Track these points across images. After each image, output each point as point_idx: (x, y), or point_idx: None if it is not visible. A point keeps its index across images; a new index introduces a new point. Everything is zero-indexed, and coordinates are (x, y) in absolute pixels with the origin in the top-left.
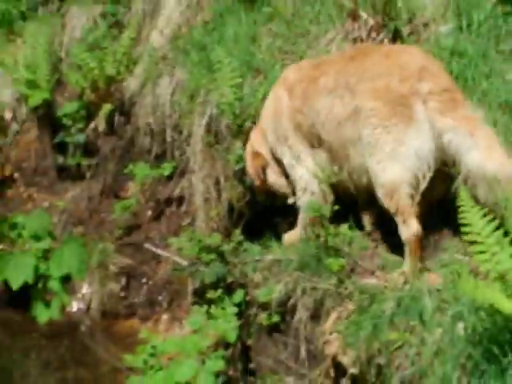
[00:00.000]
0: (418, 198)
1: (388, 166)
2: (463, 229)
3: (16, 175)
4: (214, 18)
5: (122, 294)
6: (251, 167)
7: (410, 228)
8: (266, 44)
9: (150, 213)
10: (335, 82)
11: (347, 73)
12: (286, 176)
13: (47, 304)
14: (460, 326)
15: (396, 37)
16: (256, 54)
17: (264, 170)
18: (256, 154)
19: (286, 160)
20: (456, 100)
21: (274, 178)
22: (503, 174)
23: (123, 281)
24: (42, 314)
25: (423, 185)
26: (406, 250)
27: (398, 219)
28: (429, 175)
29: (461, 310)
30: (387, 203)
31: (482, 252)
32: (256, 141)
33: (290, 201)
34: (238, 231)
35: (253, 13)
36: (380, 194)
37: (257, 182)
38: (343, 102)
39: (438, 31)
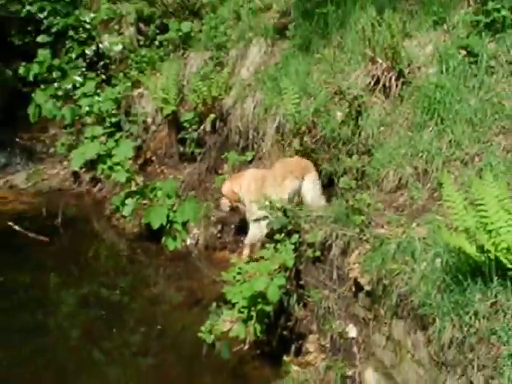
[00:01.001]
0: None
1: None
2: (444, 198)
3: (153, 158)
4: (282, 60)
5: (218, 235)
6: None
7: None
8: (315, 77)
9: None
10: None
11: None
12: None
13: (173, 238)
14: (438, 260)
15: (400, 75)
16: (309, 83)
17: None
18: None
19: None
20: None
21: None
22: None
23: (219, 226)
24: (170, 245)
25: None
26: None
27: None
28: None
29: (439, 250)
30: None
31: (454, 214)
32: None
33: None
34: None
35: (308, 57)
36: None
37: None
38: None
39: (427, 72)
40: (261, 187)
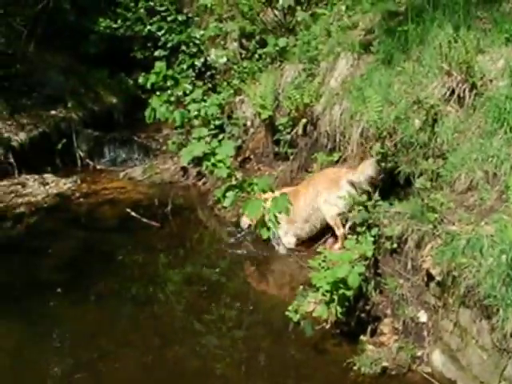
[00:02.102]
0: None
1: None
2: (511, 200)
3: (251, 156)
4: (367, 72)
5: None
6: None
7: None
8: (396, 88)
9: None
10: None
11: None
12: None
13: (267, 229)
14: (503, 256)
15: (473, 87)
16: (391, 93)
17: None
18: None
19: None
20: None
21: None
22: None
23: None
24: (264, 234)
25: None
26: None
27: None
28: None
29: (505, 247)
30: None
31: None
32: None
33: None
34: (376, 194)
35: (389, 70)
36: None
37: None
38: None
39: (498, 84)
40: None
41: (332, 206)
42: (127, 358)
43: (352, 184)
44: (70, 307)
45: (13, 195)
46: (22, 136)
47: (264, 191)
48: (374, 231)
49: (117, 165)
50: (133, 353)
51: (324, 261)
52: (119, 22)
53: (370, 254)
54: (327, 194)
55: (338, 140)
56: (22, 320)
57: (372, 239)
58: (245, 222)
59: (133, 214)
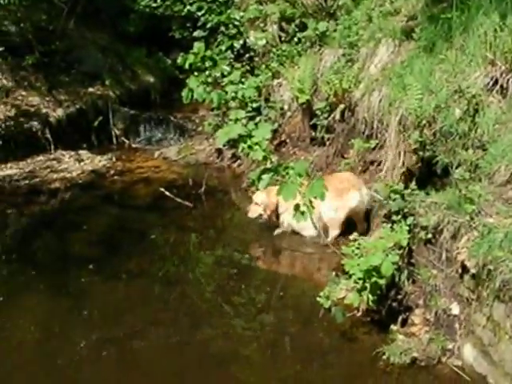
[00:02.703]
0: None
1: None
2: None
3: (287, 140)
4: (408, 59)
5: None
6: None
7: None
8: (437, 76)
9: (360, 168)
10: None
11: None
12: None
13: (302, 213)
14: None
15: None
16: (431, 81)
17: None
18: None
19: None
20: None
21: None
22: None
23: None
24: (299, 219)
25: None
26: None
27: None
28: None
29: None
30: None
31: None
32: None
33: None
34: (413, 183)
35: (431, 57)
36: None
37: None
38: None
39: None
40: None
41: None
42: (155, 337)
43: None
44: (100, 283)
45: (48, 170)
46: (60, 112)
47: (300, 175)
48: (410, 220)
49: (152, 144)
50: (161, 332)
51: (358, 248)
52: (159, 1)
53: (404, 243)
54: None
55: (375, 127)
56: (53, 293)
57: (407, 228)
58: (254, 210)
59: (166, 193)
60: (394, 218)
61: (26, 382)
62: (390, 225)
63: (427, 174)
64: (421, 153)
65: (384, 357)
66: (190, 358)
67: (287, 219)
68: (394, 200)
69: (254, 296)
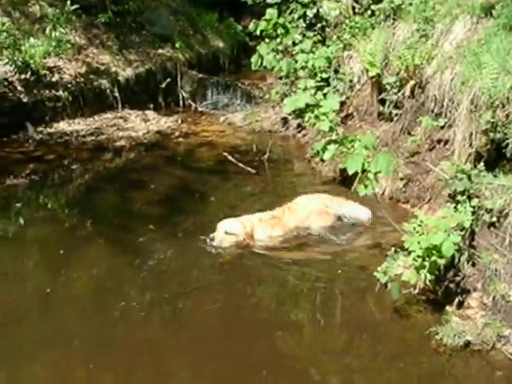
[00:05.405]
0: None
1: None
2: None
3: (354, 113)
4: (485, 38)
5: (403, 189)
6: None
7: None
8: None
9: (426, 146)
10: None
11: None
12: None
13: (365, 186)
14: None
15: None
16: (509, 61)
17: None
18: None
19: None
20: None
21: None
22: None
23: (404, 182)
24: (361, 191)
25: None
26: None
27: None
28: None
29: None
30: None
31: None
32: None
33: None
34: (481, 164)
35: (510, 36)
36: None
37: None
38: None
39: None
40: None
41: None
42: (207, 300)
43: None
44: (158, 242)
45: (115, 128)
46: (129, 72)
47: (366, 148)
48: (474, 202)
49: (218, 108)
50: (214, 296)
51: (420, 225)
52: None
53: (467, 224)
54: None
55: (445, 105)
56: (111, 249)
57: (471, 210)
58: (223, 240)
59: (229, 158)
60: (459, 198)
61: (80, 333)
62: (453, 205)
63: (496, 156)
64: (491, 134)
65: (437, 337)
66: (239, 322)
67: None
68: (461, 180)
69: (312, 267)
